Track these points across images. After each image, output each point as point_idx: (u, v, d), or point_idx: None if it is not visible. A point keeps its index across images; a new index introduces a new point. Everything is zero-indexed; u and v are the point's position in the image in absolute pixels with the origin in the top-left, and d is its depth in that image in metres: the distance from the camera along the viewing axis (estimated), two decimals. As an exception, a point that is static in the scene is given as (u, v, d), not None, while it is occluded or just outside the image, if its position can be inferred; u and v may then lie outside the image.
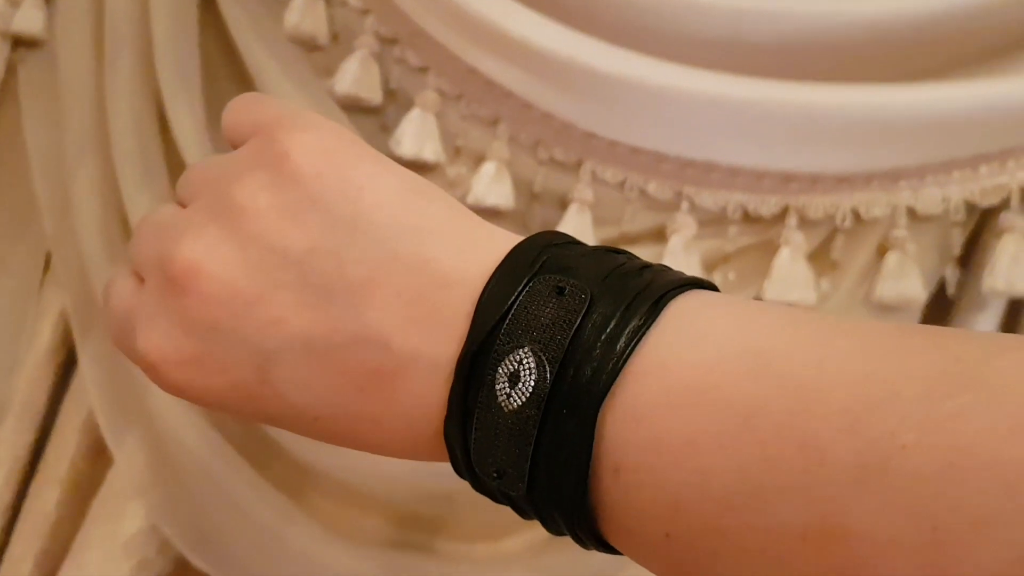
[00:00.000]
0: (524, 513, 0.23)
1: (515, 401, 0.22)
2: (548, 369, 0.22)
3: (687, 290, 0.23)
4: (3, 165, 0.61)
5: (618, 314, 0.22)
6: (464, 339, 0.23)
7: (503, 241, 0.24)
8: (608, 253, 0.24)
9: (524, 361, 0.22)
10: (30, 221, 0.60)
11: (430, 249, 0.24)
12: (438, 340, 0.23)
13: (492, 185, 0.49)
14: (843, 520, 0.19)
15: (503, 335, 0.23)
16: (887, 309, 0.47)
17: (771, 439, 0.20)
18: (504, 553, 0.49)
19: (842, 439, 0.19)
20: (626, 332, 0.22)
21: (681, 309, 0.22)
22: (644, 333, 0.22)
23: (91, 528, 0.51)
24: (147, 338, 0.25)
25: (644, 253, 0.46)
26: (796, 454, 0.19)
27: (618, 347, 0.22)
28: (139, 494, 0.51)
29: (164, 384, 0.25)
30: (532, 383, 0.22)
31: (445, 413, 0.23)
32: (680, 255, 0.46)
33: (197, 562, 0.49)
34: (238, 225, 0.25)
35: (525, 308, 0.23)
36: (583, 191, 0.48)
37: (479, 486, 0.24)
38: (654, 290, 0.22)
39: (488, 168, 0.49)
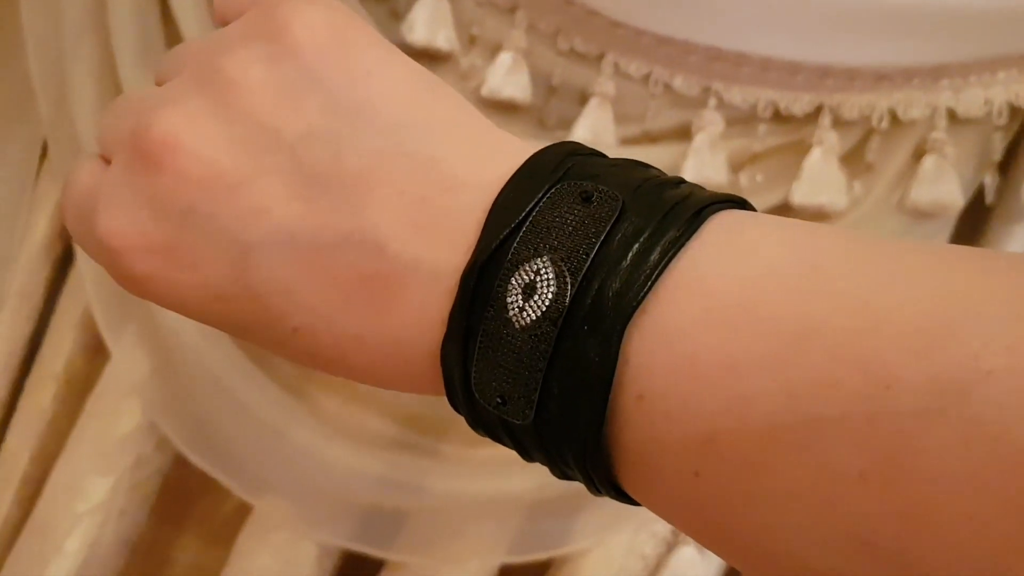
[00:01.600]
0: (527, 451, 0.21)
1: (528, 316, 0.20)
2: (569, 281, 0.19)
3: (730, 207, 0.20)
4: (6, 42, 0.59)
5: (652, 225, 0.20)
6: (473, 248, 0.20)
7: (520, 148, 0.22)
8: (638, 165, 0.21)
9: (542, 271, 0.20)
10: (26, 109, 0.58)
11: (440, 148, 0.22)
12: (442, 247, 0.21)
13: (508, 76, 0.46)
14: (912, 457, 0.16)
15: (519, 242, 0.20)
16: (922, 215, 0.45)
17: (827, 361, 0.17)
18: (506, 457, 0.47)
19: (914, 362, 0.16)
20: (661, 244, 0.19)
21: (725, 222, 0.20)
22: (682, 246, 0.19)
23: (87, 424, 0.50)
24: (109, 220, 0.22)
25: (667, 152, 0.44)
26: (858, 379, 0.17)
27: (651, 259, 0.19)
28: (136, 390, 0.49)
29: (124, 277, 0.23)
30: (550, 295, 0.20)
31: (444, 331, 0.21)
32: (706, 153, 0.44)
33: (196, 459, 0.48)
34: (226, 99, 0.22)
35: (545, 215, 0.20)
36: (604, 84, 0.46)
37: (476, 418, 0.22)
38: (693, 202, 0.20)
39: (504, 58, 0.46)
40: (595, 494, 0.21)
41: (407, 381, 0.22)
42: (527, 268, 0.20)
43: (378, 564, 0.49)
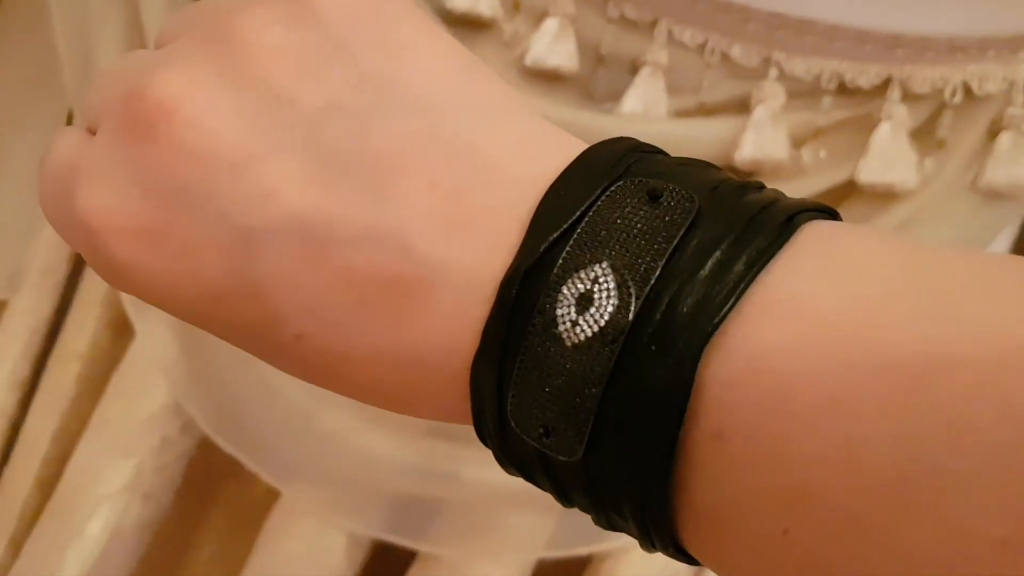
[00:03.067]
0: (567, 495, 0.18)
1: (582, 332, 0.17)
2: (633, 292, 0.17)
3: (820, 216, 0.17)
4: (23, 18, 0.58)
5: (735, 232, 0.17)
6: (515, 251, 0.18)
7: (571, 141, 0.19)
8: (709, 166, 0.18)
9: (600, 280, 0.17)
10: (51, 79, 0.56)
11: (481, 136, 0.19)
12: (478, 250, 0.18)
13: (554, 44, 0.44)
14: None
15: (573, 245, 0.17)
16: (996, 196, 0.42)
17: (959, 401, 0.14)
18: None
19: None
20: (746, 254, 0.16)
21: (822, 232, 0.17)
22: (771, 256, 0.16)
23: (110, 404, 0.49)
24: (90, 197, 0.19)
25: (724, 126, 0.42)
26: (997, 424, 0.14)
27: (735, 271, 0.16)
28: (162, 370, 0.48)
29: (104, 264, 0.20)
30: (610, 309, 0.17)
31: (476, 348, 0.18)
32: (766, 127, 0.41)
33: (222, 443, 0.47)
34: (236, 63, 0.19)
35: (604, 215, 0.17)
36: (657, 53, 0.43)
37: (508, 453, 0.19)
38: (781, 208, 0.17)
39: (550, 24, 0.44)
40: (648, 550, 0.18)
41: (428, 405, 0.19)
42: (582, 276, 0.17)
43: (410, 556, 0.47)
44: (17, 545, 0.50)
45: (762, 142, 0.41)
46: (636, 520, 0.17)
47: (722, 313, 0.16)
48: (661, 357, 0.16)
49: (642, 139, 0.20)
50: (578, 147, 0.19)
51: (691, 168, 0.18)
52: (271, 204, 0.18)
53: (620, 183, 0.18)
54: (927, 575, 0.14)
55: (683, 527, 0.17)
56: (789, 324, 0.16)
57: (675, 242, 0.17)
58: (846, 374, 0.15)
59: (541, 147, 0.19)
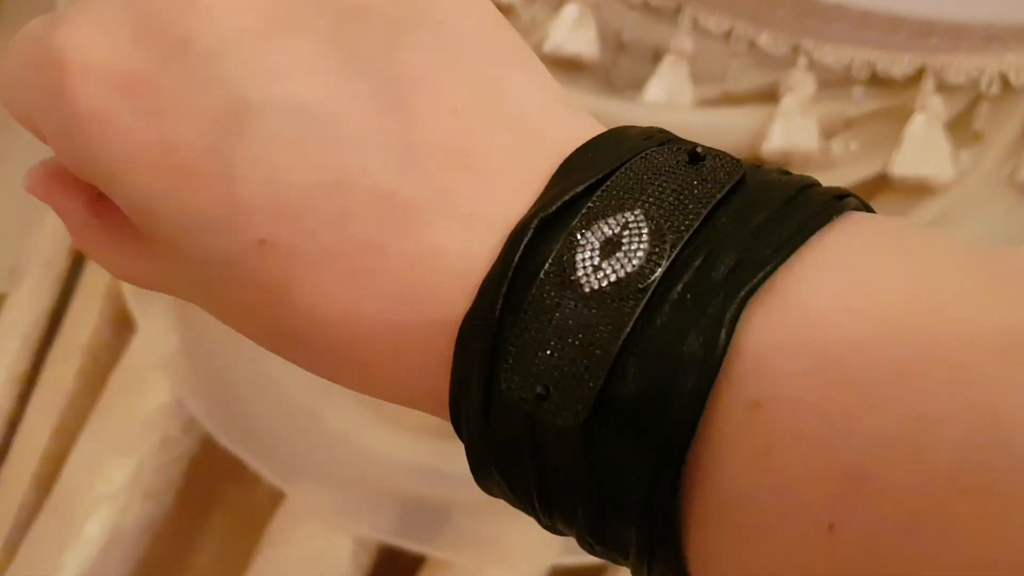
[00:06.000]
0: (552, 495, 0.15)
1: (604, 278, 0.15)
2: (669, 240, 0.14)
3: (862, 209, 0.16)
4: (23, 18, 0.56)
5: (784, 198, 0.14)
6: (534, 201, 0.15)
7: (598, 123, 0.17)
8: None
9: (631, 224, 0.15)
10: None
11: (513, 86, 0.17)
12: (492, 191, 0.16)
13: (574, 31, 0.43)
14: None
15: (600, 197, 0.15)
16: (1035, 191, 0.41)
17: None
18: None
19: None
20: (797, 215, 0.14)
21: (872, 216, 0.15)
22: (827, 220, 0.14)
23: (110, 400, 0.48)
24: (74, 29, 0.17)
25: (751, 115, 0.40)
26: None
27: (785, 227, 0.14)
28: (163, 366, 0.47)
29: (65, 111, 0.17)
30: (640, 254, 0.14)
31: (472, 300, 0.15)
32: (795, 117, 0.40)
33: (225, 441, 0.45)
34: None
35: (638, 171, 0.15)
36: (681, 41, 0.42)
37: (488, 438, 0.15)
38: (825, 191, 0.15)
39: (570, 11, 0.42)
40: (639, 572, 0.15)
41: (395, 369, 0.16)
42: (610, 221, 0.15)
43: (418, 561, 0.46)
44: (14, 545, 0.48)
45: (790, 132, 0.40)
46: (637, 516, 0.14)
47: (768, 268, 0.14)
48: (695, 310, 0.14)
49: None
50: (605, 125, 0.17)
51: (727, 154, 0.16)
52: (276, 81, 0.16)
53: (658, 147, 0.16)
54: None
55: (696, 525, 0.14)
56: (849, 286, 0.14)
57: (719, 197, 0.15)
58: (917, 343, 0.13)
59: (570, 115, 0.17)
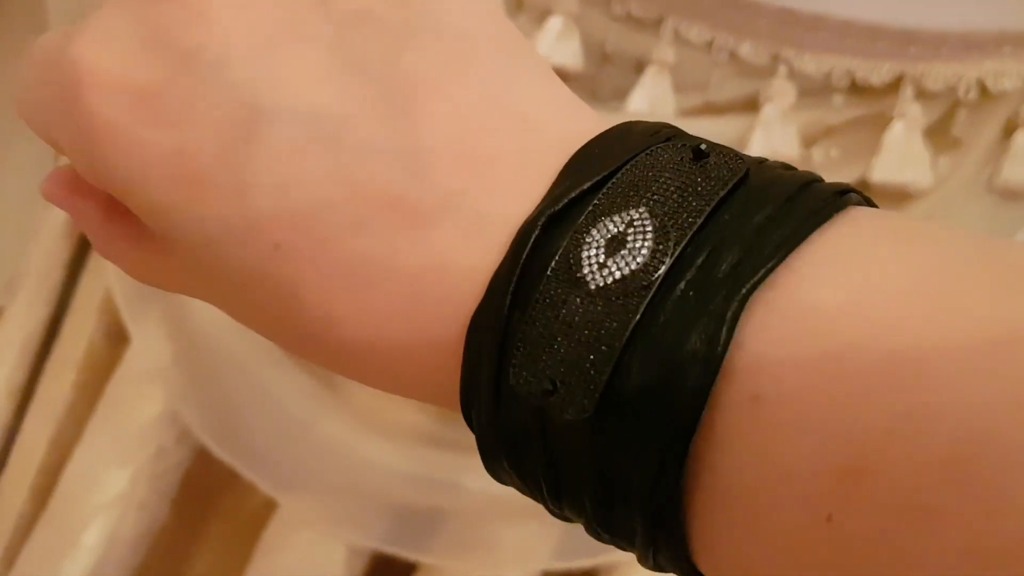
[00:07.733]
0: (561, 485, 0.16)
1: (610, 274, 0.15)
2: (673, 237, 0.15)
3: (864, 205, 0.16)
4: (23, 18, 0.57)
5: (787, 194, 0.15)
6: (540, 199, 0.16)
7: (604, 118, 0.18)
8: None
9: (636, 222, 0.15)
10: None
11: (517, 86, 0.17)
12: (498, 191, 0.16)
13: (558, 43, 0.43)
14: None
15: (606, 194, 0.16)
16: (1013, 196, 0.41)
17: None
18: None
19: None
20: (799, 211, 0.15)
21: (876, 211, 0.16)
22: (828, 218, 0.15)
23: (105, 412, 0.48)
24: (89, 41, 0.17)
25: (733, 124, 0.40)
26: None
27: (787, 224, 0.15)
28: (158, 377, 0.47)
29: (82, 123, 0.17)
30: (644, 251, 0.15)
31: (481, 297, 0.16)
32: (776, 126, 0.40)
33: (219, 452, 0.46)
34: None
35: (644, 168, 0.16)
36: (663, 52, 0.42)
37: (498, 429, 0.16)
38: (826, 188, 0.16)
39: (554, 23, 0.43)
40: (645, 561, 0.16)
41: (408, 367, 0.17)
42: (615, 219, 0.15)
43: (410, 568, 0.46)
44: (12, 555, 0.49)
45: (771, 141, 0.40)
46: (642, 507, 0.15)
47: (770, 264, 0.14)
48: (698, 306, 0.14)
49: None
50: (610, 123, 0.18)
51: (728, 148, 0.17)
52: (285, 89, 0.17)
53: (663, 144, 0.16)
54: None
55: (699, 516, 0.15)
56: (850, 281, 0.14)
57: (722, 194, 0.15)
58: (916, 336, 0.13)
59: (574, 112, 0.18)
